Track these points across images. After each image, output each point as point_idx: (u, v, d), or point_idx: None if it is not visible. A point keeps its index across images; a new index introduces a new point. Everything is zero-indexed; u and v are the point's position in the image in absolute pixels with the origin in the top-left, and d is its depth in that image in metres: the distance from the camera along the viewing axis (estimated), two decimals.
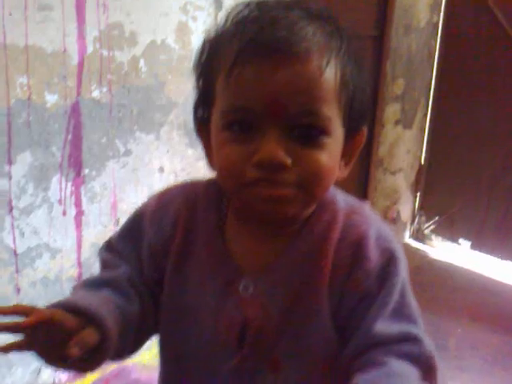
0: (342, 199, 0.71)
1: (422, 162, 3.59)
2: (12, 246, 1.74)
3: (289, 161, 0.60)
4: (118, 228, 0.82)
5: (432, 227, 3.61)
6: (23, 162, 1.74)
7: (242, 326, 0.68)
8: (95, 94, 1.89)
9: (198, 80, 0.69)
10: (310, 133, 0.61)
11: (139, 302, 0.73)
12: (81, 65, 1.85)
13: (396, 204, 3.59)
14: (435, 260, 3.40)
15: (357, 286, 0.66)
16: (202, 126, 0.70)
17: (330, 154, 0.63)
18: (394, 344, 0.63)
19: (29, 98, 1.73)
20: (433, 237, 3.62)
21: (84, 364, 0.63)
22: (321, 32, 0.61)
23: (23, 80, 1.70)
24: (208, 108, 0.67)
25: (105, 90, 1.91)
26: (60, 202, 1.85)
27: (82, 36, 1.82)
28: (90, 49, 1.85)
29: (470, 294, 2.89)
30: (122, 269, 0.74)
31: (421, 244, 3.60)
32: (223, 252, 0.70)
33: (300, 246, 0.68)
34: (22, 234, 1.76)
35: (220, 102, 0.64)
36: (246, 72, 0.60)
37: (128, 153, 2.01)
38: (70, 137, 1.84)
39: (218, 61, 0.64)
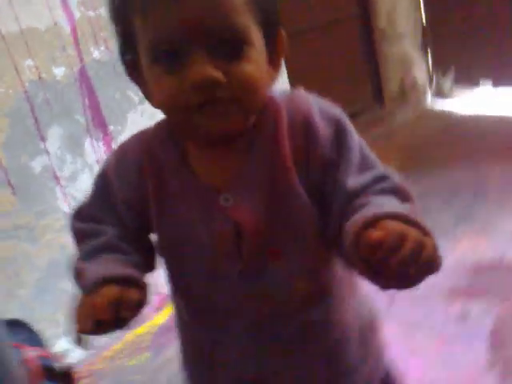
0: (277, 94, 0.73)
1: (424, 23, 3.55)
2: (68, 211, 1.95)
3: (220, 76, 0.61)
4: None
5: (451, 80, 3.63)
6: (54, 135, 1.91)
7: (235, 233, 0.70)
8: (95, 54, 2.01)
9: (116, 25, 0.70)
10: (233, 46, 0.63)
11: (139, 254, 0.75)
12: (74, 32, 1.95)
13: (410, 71, 3.61)
14: (461, 115, 3.46)
15: (318, 160, 0.69)
16: (133, 68, 0.71)
17: (257, 63, 0.65)
18: (369, 188, 0.67)
19: (39, 77, 1.86)
20: (454, 90, 3.64)
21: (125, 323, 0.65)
22: None
23: (29, 62, 1.84)
24: (133, 50, 0.68)
25: (102, 48, 2.02)
26: (98, 162, 2.03)
27: (66, 5, 1.91)
28: (77, 14, 1.95)
29: (500, 137, 2.97)
30: (108, 231, 0.74)
31: (444, 102, 3.64)
32: (195, 180, 0.72)
33: (258, 149, 0.71)
34: (75, 199, 1.96)
35: (142, 39, 0.65)
36: (158, 3, 0.61)
37: (143, 101, 2.14)
38: (86, 101, 1.99)
39: (130, 2, 0.65)
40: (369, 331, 0.83)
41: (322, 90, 0.75)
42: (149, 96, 0.71)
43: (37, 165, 1.87)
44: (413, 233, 0.55)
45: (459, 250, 2.05)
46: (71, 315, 0.65)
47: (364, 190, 0.66)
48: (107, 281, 0.64)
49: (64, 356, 1.84)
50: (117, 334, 0.69)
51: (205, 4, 0.60)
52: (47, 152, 1.90)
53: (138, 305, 0.65)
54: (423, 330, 1.64)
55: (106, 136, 2.05)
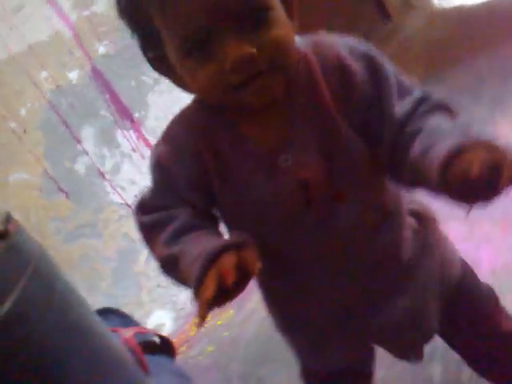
0: (299, 43, 0.73)
1: None
2: (121, 201, 2.05)
3: (254, 50, 0.62)
4: None
5: None
6: (87, 135, 2.00)
7: (300, 189, 0.72)
8: (101, 50, 2.07)
9: (132, 25, 0.70)
10: (258, 16, 0.64)
11: (215, 228, 0.76)
12: (75, 34, 2.01)
13: None
14: (472, 6, 3.37)
15: (359, 100, 0.71)
16: (160, 63, 0.72)
17: (282, 24, 0.66)
18: (414, 113, 0.68)
19: (57, 86, 1.95)
20: None
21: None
22: None
23: (44, 74, 1.92)
24: (157, 46, 0.69)
25: (106, 42, 2.08)
26: (134, 150, 2.11)
27: (60, 12, 1.97)
28: (73, 17, 2.01)
29: None
30: (181, 213, 0.74)
31: None
32: (250, 147, 0.73)
33: (301, 104, 0.72)
34: (124, 189, 2.05)
35: (168, 36, 0.66)
36: None
37: (157, 81, 2.20)
38: (107, 96, 2.06)
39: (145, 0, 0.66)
40: (431, 235, 0.86)
41: (325, 17, 0.76)
42: (184, 85, 0.72)
43: (80, 166, 1.97)
44: (499, 156, 0.55)
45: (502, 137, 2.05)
46: (194, 296, 0.64)
47: (410, 117, 0.68)
48: (220, 250, 0.63)
49: (158, 330, 1.96)
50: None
51: None
52: (86, 152, 1.99)
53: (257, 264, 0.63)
54: (486, 218, 1.66)
55: (134, 123, 2.12)
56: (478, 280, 0.91)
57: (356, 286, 0.80)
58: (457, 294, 0.86)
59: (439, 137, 0.62)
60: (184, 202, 0.75)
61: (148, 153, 2.12)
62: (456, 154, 0.57)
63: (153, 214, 0.75)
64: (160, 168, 0.77)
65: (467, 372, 1.12)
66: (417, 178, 0.66)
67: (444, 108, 0.69)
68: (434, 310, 0.84)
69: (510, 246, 1.55)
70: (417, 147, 0.65)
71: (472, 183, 0.54)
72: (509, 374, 0.92)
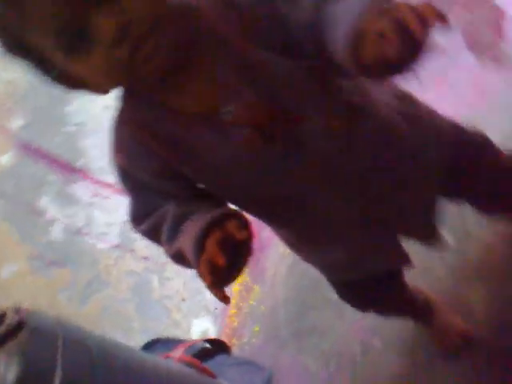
0: None
1: None
2: (108, 245, 2.08)
3: (126, 16, 0.62)
4: None
5: None
6: (47, 204, 2.02)
7: (257, 130, 0.71)
8: (19, 123, 2.06)
9: (20, 57, 0.69)
10: None
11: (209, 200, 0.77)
12: None
13: None
14: None
15: (254, 20, 0.69)
16: (63, 78, 0.70)
17: None
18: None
19: None
20: None
21: None
22: None
23: None
24: (49, 64, 0.68)
25: (19, 113, 2.07)
26: (95, 195, 2.12)
27: None
28: None
29: None
30: (168, 208, 0.74)
31: None
32: (190, 117, 0.72)
33: (212, 55, 0.71)
34: (105, 233, 2.08)
35: (46, 45, 0.65)
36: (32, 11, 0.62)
37: (82, 124, 2.20)
38: (45, 162, 2.06)
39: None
40: (410, 105, 0.86)
41: None
42: (95, 87, 0.71)
43: (56, 234, 2.00)
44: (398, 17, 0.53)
45: None
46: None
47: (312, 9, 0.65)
48: (204, 235, 0.63)
49: (205, 336, 2.02)
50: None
51: None
52: (55, 219, 2.01)
53: (245, 227, 0.63)
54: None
55: (81, 172, 2.12)
56: (470, 132, 0.96)
57: (361, 188, 0.80)
58: (455, 150, 0.89)
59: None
60: (164, 196, 0.76)
61: (108, 191, 2.14)
62: (357, 37, 0.55)
63: (146, 222, 0.77)
64: (125, 176, 0.78)
65: None
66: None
67: None
68: (436, 180, 0.87)
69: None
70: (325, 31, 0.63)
71: (390, 60, 0.53)
72: None
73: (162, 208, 0.75)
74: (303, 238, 0.90)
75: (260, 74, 0.71)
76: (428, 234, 0.92)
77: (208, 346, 1.75)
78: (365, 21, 0.55)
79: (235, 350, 1.96)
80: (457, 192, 0.97)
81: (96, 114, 2.08)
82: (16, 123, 2.05)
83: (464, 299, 1.20)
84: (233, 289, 2.18)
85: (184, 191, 0.77)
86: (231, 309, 2.13)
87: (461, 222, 1.25)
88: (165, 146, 0.74)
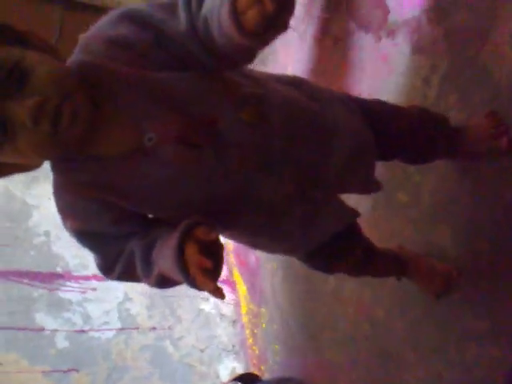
0: (75, 57, 0.77)
1: None
2: (114, 331, 2.12)
3: (35, 97, 0.67)
4: None
5: None
6: (44, 318, 2.05)
7: (181, 144, 0.76)
8: None
9: None
10: (16, 74, 0.68)
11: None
12: None
13: None
14: None
15: (149, 46, 0.75)
16: None
17: (41, 62, 0.71)
18: (191, 11, 0.72)
19: None
20: None
21: None
22: None
23: None
24: None
25: None
26: (83, 292, 2.17)
27: None
28: None
29: None
30: (131, 244, 0.81)
31: None
32: (118, 158, 0.77)
33: (114, 97, 0.75)
34: (107, 323, 2.13)
35: None
36: None
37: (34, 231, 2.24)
38: (25, 280, 2.10)
39: None
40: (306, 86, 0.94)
41: None
42: (27, 167, 0.78)
43: (60, 342, 2.03)
44: None
45: None
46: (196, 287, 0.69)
47: (191, 18, 0.72)
48: (181, 250, 0.68)
49: (234, 375, 2.07)
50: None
51: None
52: (55, 330, 2.05)
53: (210, 227, 0.69)
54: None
55: (63, 277, 2.17)
56: (366, 100, 1.04)
57: (287, 163, 0.84)
58: (369, 118, 0.96)
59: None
60: (124, 238, 0.81)
61: (92, 283, 2.19)
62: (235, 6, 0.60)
63: (116, 267, 0.82)
64: (82, 236, 0.82)
65: None
66: (230, 45, 0.68)
67: None
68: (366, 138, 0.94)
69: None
70: (211, 27, 0.68)
71: (269, 13, 0.59)
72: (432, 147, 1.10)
73: (126, 249, 0.80)
74: (258, 229, 0.92)
75: (165, 94, 0.75)
76: (365, 186, 0.99)
77: (239, 383, 1.82)
78: None
79: (267, 374, 2.04)
80: (383, 153, 1.04)
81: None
82: None
83: (435, 244, 1.29)
84: (243, 320, 2.26)
85: (140, 226, 0.82)
86: (248, 338, 2.21)
87: (404, 178, 1.37)
88: (109, 192, 0.77)
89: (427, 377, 1.30)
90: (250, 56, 0.74)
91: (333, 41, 1.76)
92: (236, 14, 0.61)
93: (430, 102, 1.28)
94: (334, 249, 1.00)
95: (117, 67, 0.74)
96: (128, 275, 0.83)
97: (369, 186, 1.00)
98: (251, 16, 0.60)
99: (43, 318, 2.05)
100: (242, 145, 0.79)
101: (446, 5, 1.25)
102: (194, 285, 0.68)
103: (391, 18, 1.46)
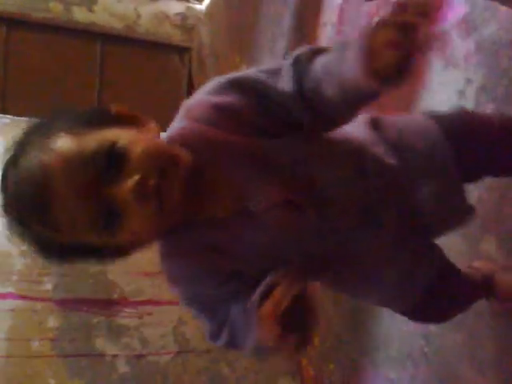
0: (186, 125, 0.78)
1: None
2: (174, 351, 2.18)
3: (137, 177, 0.69)
4: None
5: None
6: (107, 346, 2.14)
7: (284, 207, 0.77)
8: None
9: (67, 258, 0.75)
10: (114, 158, 0.70)
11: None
12: None
13: None
14: None
15: (257, 114, 0.76)
16: (112, 255, 0.77)
17: (137, 141, 0.73)
18: (297, 73, 0.73)
19: None
20: None
21: None
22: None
23: None
24: (94, 250, 0.74)
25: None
26: (139, 317, 2.25)
27: None
28: None
29: None
30: (231, 315, 0.79)
31: None
32: (228, 222, 0.78)
33: (223, 164, 0.77)
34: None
35: (87, 240, 0.71)
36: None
37: None
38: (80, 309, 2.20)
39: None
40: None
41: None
42: (141, 243, 0.77)
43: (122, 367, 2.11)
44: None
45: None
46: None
47: (298, 80, 0.72)
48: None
49: None
50: None
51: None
52: (115, 355, 2.13)
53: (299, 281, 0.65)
54: None
55: (119, 304, 2.26)
56: (449, 114, 0.99)
57: (393, 213, 0.85)
58: (453, 137, 0.91)
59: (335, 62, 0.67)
60: (229, 301, 0.79)
61: (148, 308, 2.25)
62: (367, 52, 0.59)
63: (223, 334, 0.81)
64: (190, 302, 0.83)
65: None
66: (347, 100, 0.68)
67: (311, 52, 0.73)
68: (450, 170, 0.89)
69: None
70: (326, 86, 0.68)
71: (402, 59, 0.57)
72: None
73: (230, 314, 0.79)
74: (358, 283, 0.92)
75: (269, 160, 0.76)
76: (461, 216, 0.95)
77: None
78: (369, 36, 0.59)
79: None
80: (472, 173, 0.99)
81: None
82: (46, 287, 2.20)
83: (482, 254, 1.30)
84: None
85: (243, 286, 0.79)
86: (302, 359, 2.21)
87: None
88: (214, 253, 0.78)
89: None
90: (353, 113, 0.75)
91: None
92: (369, 59, 0.59)
93: None
94: (438, 299, 0.98)
95: (220, 134, 0.75)
96: (234, 345, 0.81)
97: (464, 214, 0.95)
98: (387, 57, 0.58)
99: (103, 344, 2.13)
100: (342, 200, 0.80)
101: (475, 18, 1.26)
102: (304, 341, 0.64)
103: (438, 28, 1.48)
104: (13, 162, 0.71)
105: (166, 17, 3.78)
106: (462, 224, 0.96)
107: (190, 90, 3.52)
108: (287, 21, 2.43)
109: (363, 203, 0.82)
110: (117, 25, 3.66)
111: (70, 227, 0.69)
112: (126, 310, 2.23)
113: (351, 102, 0.69)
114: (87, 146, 0.68)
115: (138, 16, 3.72)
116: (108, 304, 2.22)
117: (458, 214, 0.94)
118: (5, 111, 3.10)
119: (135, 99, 3.42)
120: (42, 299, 2.16)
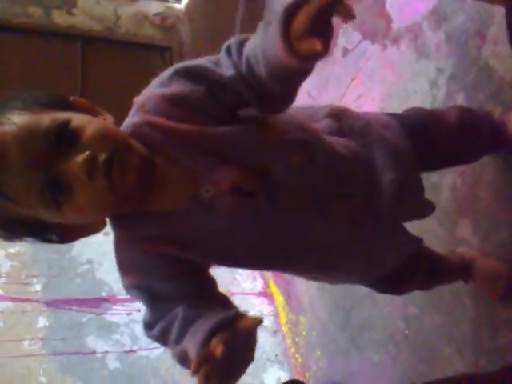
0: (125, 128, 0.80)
1: None
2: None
3: (87, 152, 0.70)
4: None
5: None
6: (97, 342, 2.16)
7: (236, 193, 0.78)
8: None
9: (17, 235, 0.76)
10: (66, 136, 0.71)
11: (213, 292, 0.83)
12: None
13: None
14: None
15: (203, 98, 0.78)
16: (62, 237, 0.79)
17: (89, 123, 0.74)
18: (232, 57, 0.75)
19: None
20: None
21: None
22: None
23: None
24: (43, 228, 0.76)
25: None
26: (128, 314, 2.27)
27: None
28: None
29: None
30: (177, 310, 0.77)
31: None
32: (176, 211, 0.79)
33: (172, 153, 0.78)
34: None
35: (31, 211, 0.72)
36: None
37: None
38: (67, 307, 2.22)
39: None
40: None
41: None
42: (90, 227, 0.79)
43: (111, 364, 2.13)
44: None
45: None
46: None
47: (236, 63, 0.74)
48: (206, 341, 0.65)
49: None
50: None
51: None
52: (106, 352, 2.15)
53: (248, 330, 0.66)
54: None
55: (108, 301, 2.28)
56: (407, 112, 1.04)
57: (345, 205, 0.87)
58: (412, 136, 0.95)
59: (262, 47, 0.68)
60: (177, 299, 0.78)
61: (138, 304, 2.28)
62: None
63: (156, 327, 0.79)
64: (138, 291, 0.81)
65: None
66: (281, 80, 0.70)
67: (241, 38, 0.75)
68: (408, 163, 0.93)
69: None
70: (255, 65, 0.70)
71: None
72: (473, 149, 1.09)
73: (172, 312, 0.77)
74: (321, 270, 0.95)
75: (221, 148, 0.78)
76: (420, 210, 0.99)
77: None
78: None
79: (312, 381, 2.09)
80: (433, 165, 1.06)
81: (99, 244, 2.25)
82: (35, 288, 2.22)
83: (458, 238, 1.35)
84: (283, 329, 2.32)
85: (194, 288, 0.80)
86: (290, 347, 2.26)
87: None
88: (170, 245, 0.78)
89: (465, 367, 1.34)
90: (291, 90, 0.76)
91: (342, 53, 1.84)
92: (289, 39, 0.62)
93: (439, 102, 1.34)
94: (400, 273, 1.02)
95: (172, 124, 0.76)
96: (161, 339, 0.80)
97: (423, 208, 0.99)
98: (306, 47, 0.61)
99: (94, 342, 2.15)
100: (292, 188, 0.81)
101: (444, 9, 1.31)
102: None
103: (394, 26, 1.52)
104: None
105: (146, 17, 3.80)
106: (421, 216, 0.99)
107: None
108: (266, 17, 2.47)
109: (314, 192, 0.83)
110: (97, 27, 3.67)
111: (21, 197, 0.70)
112: (115, 307, 2.26)
113: (281, 79, 0.70)
114: (41, 122, 0.70)
115: (118, 17, 3.73)
116: (97, 302, 2.24)
117: (416, 205, 0.97)
118: None
119: (117, 100, 3.43)
120: (31, 300, 2.18)
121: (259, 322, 0.66)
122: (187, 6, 3.67)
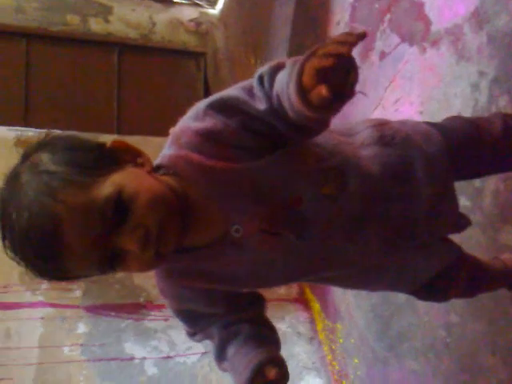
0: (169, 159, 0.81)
1: None
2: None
3: (140, 229, 0.72)
4: None
5: None
6: (134, 349, 2.18)
7: (266, 233, 0.80)
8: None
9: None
10: (117, 210, 0.72)
11: (248, 309, 0.90)
12: None
13: None
14: None
15: (238, 133, 0.78)
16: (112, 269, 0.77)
17: (137, 185, 0.75)
18: (264, 89, 0.74)
19: None
20: None
21: None
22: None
23: None
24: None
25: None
26: (165, 319, 2.29)
27: None
28: None
29: None
30: (215, 334, 0.89)
31: None
32: (210, 249, 0.82)
33: (204, 194, 0.80)
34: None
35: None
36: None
37: None
38: (101, 312, 2.24)
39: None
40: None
41: None
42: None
43: (150, 370, 2.14)
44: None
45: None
46: None
47: (268, 94, 0.73)
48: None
49: None
50: None
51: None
52: (143, 358, 2.17)
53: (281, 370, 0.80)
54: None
55: (146, 307, 2.30)
56: (451, 123, 1.01)
57: (376, 225, 0.86)
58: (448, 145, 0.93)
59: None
60: (213, 319, 0.88)
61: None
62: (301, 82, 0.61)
63: (198, 335, 0.91)
64: (178, 314, 0.89)
65: None
66: (301, 118, 0.68)
67: (271, 68, 0.73)
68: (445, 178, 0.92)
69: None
70: (283, 102, 0.69)
71: (335, 84, 0.58)
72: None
73: (210, 330, 0.88)
74: (355, 284, 1.00)
75: (250, 186, 0.78)
76: (456, 224, 0.98)
77: None
78: (301, 70, 0.61)
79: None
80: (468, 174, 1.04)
81: None
82: (75, 294, 2.25)
83: (501, 244, 1.31)
84: (320, 336, 2.29)
85: (229, 308, 0.87)
86: (327, 355, 2.23)
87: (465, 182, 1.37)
88: (200, 280, 0.83)
89: (509, 378, 1.30)
90: (325, 123, 0.75)
91: (379, 56, 1.81)
92: (303, 91, 0.61)
93: (480, 105, 1.30)
94: (441, 281, 1.02)
95: (204, 160, 0.77)
96: (206, 339, 0.92)
97: (459, 222, 0.98)
98: (316, 95, 0.59)
99: (132, 347, 2.17)
100: (322, 220, 0.81)
101: (486, 10, 1.27)
102: None
103: (433, 28, 1.49)
104: (15, 199, 0.70)
105: (181, 23, 3.83)
106: (456, 230, 0.98)
107: (207, 94, 3.56)
108: (300, 21, 2.45)
109: (344, 219, 0.83)
110: (133, 34, 3.72)
111: (77, 270, 0.74)
112: (153, 313, 2.28)
113: (308, 121, 0.69)
114: (95, 198, 0.70)
115: (153, 24, 3.77)
116: (135, 308, 2.26)
117: (452, 218, 0.96)
118: (27, 124, 3.17)
119: (153, 106, 3.47)
120: (71, 306, 2.22)
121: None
122: (221, 11, 3.69)
